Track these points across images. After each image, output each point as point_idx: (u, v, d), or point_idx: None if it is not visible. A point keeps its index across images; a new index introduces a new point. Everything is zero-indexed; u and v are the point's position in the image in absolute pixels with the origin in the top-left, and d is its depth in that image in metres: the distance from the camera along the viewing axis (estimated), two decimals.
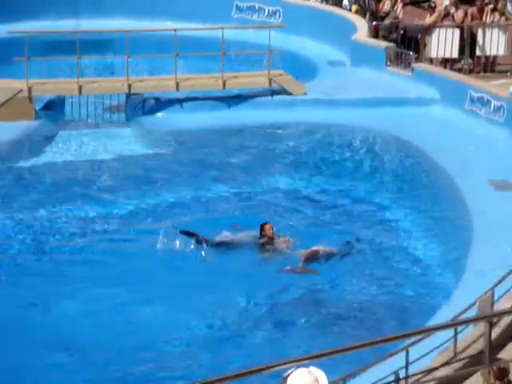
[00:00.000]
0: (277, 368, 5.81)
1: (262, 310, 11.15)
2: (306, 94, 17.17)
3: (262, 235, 12.52)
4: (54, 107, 16.75)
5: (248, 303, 11.24)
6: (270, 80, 17.05)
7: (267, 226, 12.50)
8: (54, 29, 18.84)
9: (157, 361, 10.11)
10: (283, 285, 11.69)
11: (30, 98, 16.09)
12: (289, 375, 5.53)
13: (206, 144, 16.01)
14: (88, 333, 10.54)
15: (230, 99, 17.04)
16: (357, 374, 8.06)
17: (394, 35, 19.05)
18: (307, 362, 5.81)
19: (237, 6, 20.72)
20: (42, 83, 16.43)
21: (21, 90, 16.02)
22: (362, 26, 19.11)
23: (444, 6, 19.19)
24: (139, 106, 16.84)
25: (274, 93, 17.17)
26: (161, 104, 16.89)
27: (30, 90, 16.06)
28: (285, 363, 5.78)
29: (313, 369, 5.64)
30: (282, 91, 17.15)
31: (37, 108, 16.34)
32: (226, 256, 12.26)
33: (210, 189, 14.54)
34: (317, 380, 5.53)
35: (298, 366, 5.68)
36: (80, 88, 16.34)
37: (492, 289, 8.86)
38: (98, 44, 18.36)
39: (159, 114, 16.76)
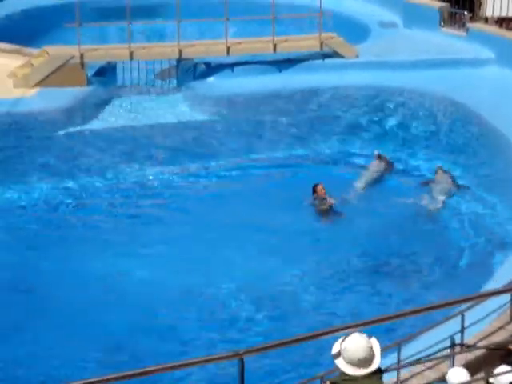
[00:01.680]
0: (330, 334, 5.79)
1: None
2: (357, 56, 16.97)
3: (314, 196, 12.69)
4: (105, 73, 16.80)
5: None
6: (322, 43, 16.87)
7: (319, 187, 12.65)
8: None
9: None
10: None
11: (82, 64, 16.17)
12: (343, 341, 5.53)
13: (258, 108, 15.94)
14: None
15: (280, 63, 16.91)
16: (412, 339, 8.02)
17: None
18: (361, 328, 5.78)
19: None
20: (93, 49, 16.48)
21: (73, 57, 16.09)
22: None
23: None
24: (190, 71, 16.82)
25: (325, 56, 17.00)
26: (211, 69, 16.84)
27: (81, 56, 16.13)
28: (338, 329, 5.76)
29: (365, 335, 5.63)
30: (334, 54, 16.96)
31: (89, 74, 16.41)
32: None
33: (261, 153, 14.50)
34: (371, 344, 5.53)
35: (351, 333, 5.67)
36: (131, 54, 16.35)
37: None
38: (148, 9, 18.36)
39: (210, 79, 16.72)
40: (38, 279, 11.08)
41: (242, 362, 5.84)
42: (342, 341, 5.53)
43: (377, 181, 13.51)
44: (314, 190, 12.75)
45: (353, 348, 5.47)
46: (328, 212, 12.61)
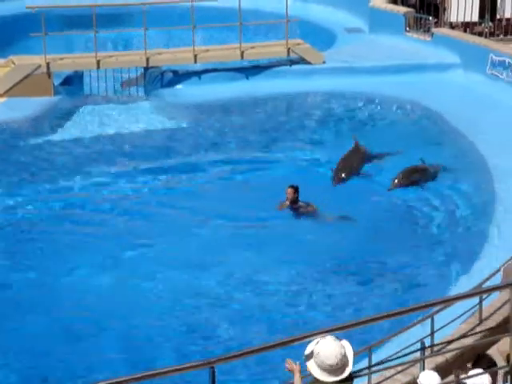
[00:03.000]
0: (303, 340, 5.81)
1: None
2: (324, 62, 17.07)
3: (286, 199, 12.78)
4: (72, 82, 16.75)
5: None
6: (288, 49, 16.95)
7: (288, 190, 12.69)
8: (71, 3, 18.79)
9: None
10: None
11: (48, 74, 16.09)
12: (317, 343, 5.54)
13: (225, 115, 15.97)
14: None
15: (248, 70, 16.97)
16: (382, 344, 8.06)
17: (413, 0, 18.85)
18: (333, 333, 5.81)
19: None
20: (60, 58, 16.41)
21: (39, 66, 16.02)
22: None
23: None
24: (157, 79, 16.81)
25: (292, 62, 17.08)
26: (179, 76, 16.85)
27: (48, 65, 16.06)
28: (310, 335, 5.78)
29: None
30: (301, 60, 17.05)
31: (55, 83, 16.34)
32: None
33: (229, 160, 14.51)
34: (343, 347, 5.55)
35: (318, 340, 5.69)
36: (98, 62, 16.31)
37: None
38: (114, 17, 18.33)
39: (178, 87, 16.72)
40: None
41: (212, 370, 5.84)
42: (316, 343, 5.54)
43: (355, 170, 13.58)
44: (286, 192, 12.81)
45: (326, 354, 5.49)
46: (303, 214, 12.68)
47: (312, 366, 5.53)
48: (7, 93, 15.82)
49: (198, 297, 10.73)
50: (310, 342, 5.78)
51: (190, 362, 6.14)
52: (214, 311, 10.46)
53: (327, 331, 5.96)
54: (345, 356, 5.55)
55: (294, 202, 12.75)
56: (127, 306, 10.51)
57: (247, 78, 16.87)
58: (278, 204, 12.78)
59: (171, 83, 16.80)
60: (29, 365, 9.51)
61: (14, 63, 16.17)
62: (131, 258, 11.60)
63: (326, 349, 5.50)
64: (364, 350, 7.31)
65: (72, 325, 10.15)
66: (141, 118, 15.95)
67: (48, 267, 11.33)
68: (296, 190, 12.78)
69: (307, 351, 5.55)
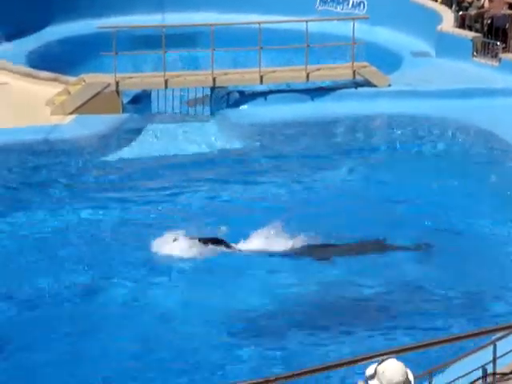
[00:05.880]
0: (364, 361, 5.85)
1: None
2: (390, 85, 17.07)
3: None
4: (140, 101, 17.04)
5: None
6: (354, 72, 17.00)
7: None
8: (141, 24, 19.17)
9: None
10: None
11: (117, 92, 16.43)
12: (379, 364, 5.59)
13: (290, 136, 16.08)
14: None
15: (313, 92, 17.06)
16: (443, 368, 8.03)
17: (481, 25, 18.74)
18: (394, 355, 5.83)
19: None
20: (129, 77, 16.74)
21: (109, 85, 16.36)
22: (447, 15, 18.88)
23: None
24: (223, 99, 17.02)
25: (357, 85, 17.13)
26: (245, 97, 17.03)
27: (117, 84, 16.40)
28: (372, 356, 5.82)
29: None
30: (366, 83, 17.09)
31: (124, 101, 16.67)
32: None
33: (295, 181, 14.59)
34: (407, 368, 5.60)
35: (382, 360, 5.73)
36: (166, 82, 16.59)
37: None
38: (183, 38, 18.61)
39: (243, 107, 16.90)
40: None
41: None
42: (379, 364, 5.60)
43: None
44: None
45: (392, 372, 5.54)
46: None
47: None
48: (77, 110, 16.19)
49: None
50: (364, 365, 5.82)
51: (252, 379, 6.24)
52: None
53: (387, 353, 5.98)
54: (407, 379, 5.59)
55: None
56: None
57: (312, 100, 16.97)
58: None
59: (237, 103, 16.99)
60: None
61: (84, 81, 16.56)
62: None
63: (392, 368, 5.57)
64: (424, 374, 7.29)
65: None
66: (206, 137, 16.15)
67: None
68: None
69: (369, 371, 5.60)
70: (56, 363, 9.98)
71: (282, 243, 12.24)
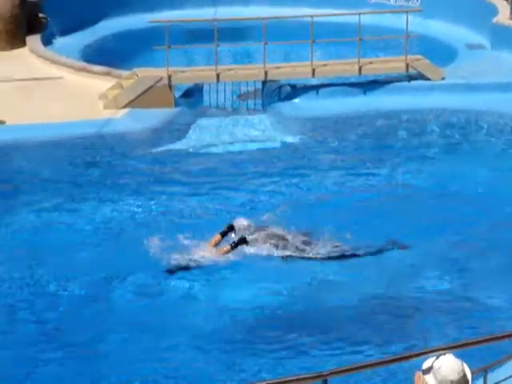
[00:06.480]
0: (421, 356, 5.77)
1: None
2: (443, 78, 16.86)
3: None
4: (192, 95, 17.08)
5: None
6: (407, 65, 16.82)
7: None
8: (193, 17, 19.20)
9: None
10: None
11: (170, 86, 16.48)
12: (436, 359, 5.52)
13: (342, 130, 15.97)
14: None
15: (365, 85, 16.93)
16: (498, 365, 7.89)
17: None
18: (453, 350, 5.75)
19: None
20: (181, 71, 16.79)
21: (161, 79, 16.42)
22: (503, 7, 18.57)
23: None
24: (275, 93, 16.97)
25: (410, 78, 16.94)
26: (297, 90, 16.96)
27: (170, 78, 16.45)
28: (428, 351, 5.74)
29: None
30: (419, 76, 16.90)
31: (176, 95, 16.71)
32: None
33: (346, 176, 14.50)
34: (464, 365, 5.51)
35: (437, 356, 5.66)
36: (218, 76, 16.60)
37: None
38: (234, 31, 18.60)
39: (295, 101, 16.83)
40: None
41: (325, 383, 5.87)
42: (436, 359, 5.52)
43: None
44: None
45: (448, 369, 5.46)
46: None
47: (431, 381, 5.51)
48: (130, 104, 16.28)
49: None
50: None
51: (303, 374, 6.20)
52: None
53: (444, 349, 5.89)
54: (464, 375, 5.50)
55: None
56: None
57: (364, 94, 16.84)
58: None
59: (288, 97, 16.93)
60: None
61: (137, 75, 16.65)
62: None
63: (448, 364, 5.49)
64: (479, 370, 7.16)
65: None
66: (257, 131, 16.13)
67: None
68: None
69: (426, 365, 5.53)
70: (117, 356, 10.02)
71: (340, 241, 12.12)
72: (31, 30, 18.82)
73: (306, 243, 11.86)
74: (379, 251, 11.89)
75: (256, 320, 10.65)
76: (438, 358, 5.45)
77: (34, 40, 18.64)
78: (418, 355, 5.76)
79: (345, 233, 12.13)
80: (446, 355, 5.44)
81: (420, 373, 5.65)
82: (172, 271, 11.55)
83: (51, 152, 14.94)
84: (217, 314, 10.70)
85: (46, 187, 13.83)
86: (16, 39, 18.60)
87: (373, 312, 10.82)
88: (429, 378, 5.47)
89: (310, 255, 11.78)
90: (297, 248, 11.81)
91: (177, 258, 11.67)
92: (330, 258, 11.77)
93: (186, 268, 11.57)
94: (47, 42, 18.73)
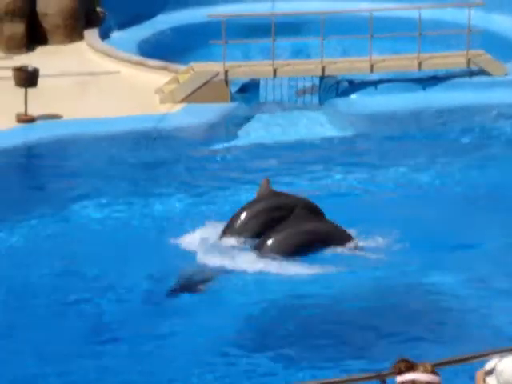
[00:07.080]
0: (485, 357, 5.58)
1: None
2: (506, 74, 16.48)
3: None
4: (248, 90, 16.97)
5: None
6: (469, 61, 16.48)
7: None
8: (250, 12, 19.10)
9: None
10: None
11: (226, 81, 16.39)
12: (500, 361, 5.35)
13: (402, 127, 15.71)
14: None
15: (425, 80, 16.63)
16: None
17: None
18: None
19: None
20: (238, 66, 16.69)
21: (218, 73, 16.34)
22: None
23: None
24: (332, 89, 16.77)
25: (472, 74, 16.59)
26: (354, 86, 16.74)
27: (226, 73, 16.36)
28: (492, 353, 5.54)
29: None
30: (481, 72, 16.54)
31: (232, 90, 16.62)
32: None
33: (403, 171, 14.24)
34: None
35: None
36: (275, 71, 16.46)
37: None
38: (292, 26, 18.45)
39: (353, 96, 16.61)
40: None
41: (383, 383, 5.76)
42: (499, 361, 5.35)
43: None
44: None
45: (510, 373, 5.28)
46: None
47: (493, 383, 5.34)
48: (186, 99, 16.23)
49: None
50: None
51: (362, 373, 6.10)
52: None
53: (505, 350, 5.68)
54: None
55: None
56: None
57: (424, 89, 16.54)
58: None
59: (346, 93, 16.72)
60: None
61: (193, 70, 16.60)
62: None
63: (511, 368, 5.29)
64: None
65: None
66: (315, 127, 15.95)
67: None
68: None
69: (488, 367, 5.36)
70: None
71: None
72: (89, 24, 18.93)
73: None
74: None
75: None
76: (501, 360, 5.28)
77: (92, 34, 18.73)
78: (481, 356, 5.57)
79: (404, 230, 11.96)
80: (510, 357, 5.25)
81: (481, 372, 5.47)
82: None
83: (107, 147, 14.95)
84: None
85: (103, 182, 13.85)
86: (74, 33, 18.72)
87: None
88: (491, 379, 5.32)
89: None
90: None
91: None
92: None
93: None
94: (104, 36, 18.81)
